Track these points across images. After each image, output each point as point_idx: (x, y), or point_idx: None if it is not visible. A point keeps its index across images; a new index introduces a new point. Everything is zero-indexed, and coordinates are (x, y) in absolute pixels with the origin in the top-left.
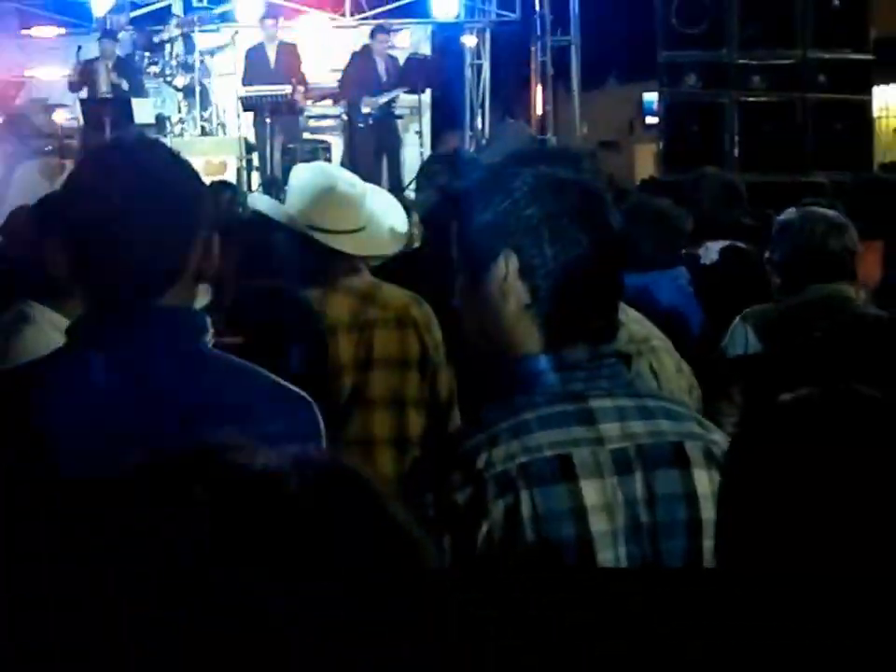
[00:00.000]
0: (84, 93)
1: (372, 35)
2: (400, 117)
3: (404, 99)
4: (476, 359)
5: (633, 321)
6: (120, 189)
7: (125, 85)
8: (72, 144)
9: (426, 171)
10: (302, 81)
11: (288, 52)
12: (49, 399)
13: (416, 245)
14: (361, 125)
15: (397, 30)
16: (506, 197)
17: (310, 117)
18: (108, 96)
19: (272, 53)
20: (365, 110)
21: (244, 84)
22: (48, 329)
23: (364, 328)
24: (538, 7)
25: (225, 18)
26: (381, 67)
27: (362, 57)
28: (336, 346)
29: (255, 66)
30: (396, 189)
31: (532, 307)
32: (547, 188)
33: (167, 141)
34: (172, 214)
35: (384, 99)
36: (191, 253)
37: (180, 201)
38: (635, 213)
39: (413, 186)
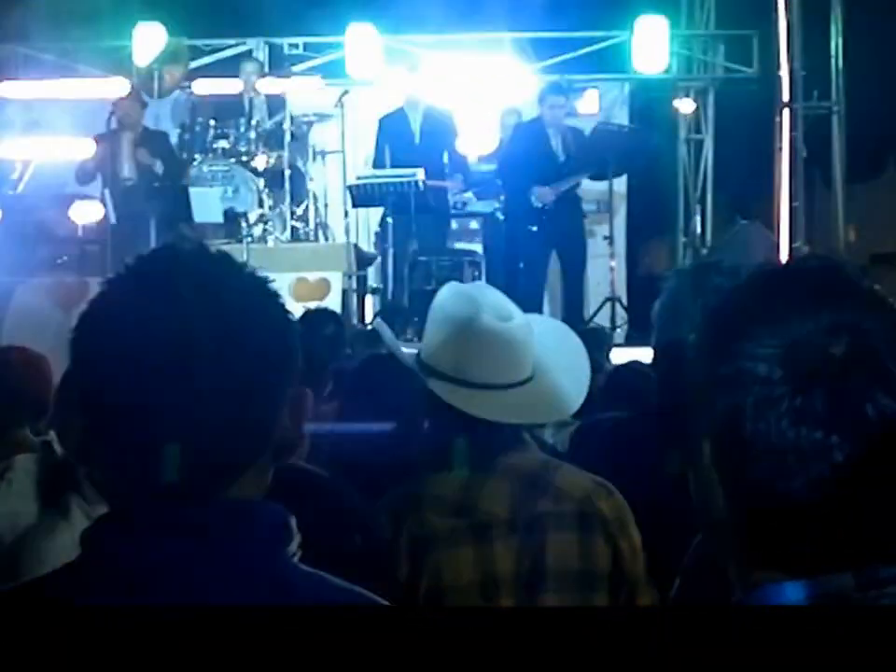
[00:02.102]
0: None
1: (542, 97)
2: (583, 214)
3: (589, 189)
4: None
5: None
6: (165, 331)
7: (159, 167)
8: (96, 253)
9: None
10: (460, 166)
11: (440, 123)
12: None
13: None
14: (528, 228)
15: (579, 89)
16: (735, 358)
17: (453, 215)
18: (155, 185)
19: (416, 123)
20: (535, 205)
21: (376, 166)
22: None
23: (531, 528)
24: (784, 60)
25: (329, 71)
26: (555, 143)
27: (529, 128)
28: (490, 554)
29: (392, 143)
30: (576, 320)
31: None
32: (800, 355)
33: (241, 250)
34: (244, 371)
35: (562, 188)
36: (271, 431)
37: (258, 348)
38: None
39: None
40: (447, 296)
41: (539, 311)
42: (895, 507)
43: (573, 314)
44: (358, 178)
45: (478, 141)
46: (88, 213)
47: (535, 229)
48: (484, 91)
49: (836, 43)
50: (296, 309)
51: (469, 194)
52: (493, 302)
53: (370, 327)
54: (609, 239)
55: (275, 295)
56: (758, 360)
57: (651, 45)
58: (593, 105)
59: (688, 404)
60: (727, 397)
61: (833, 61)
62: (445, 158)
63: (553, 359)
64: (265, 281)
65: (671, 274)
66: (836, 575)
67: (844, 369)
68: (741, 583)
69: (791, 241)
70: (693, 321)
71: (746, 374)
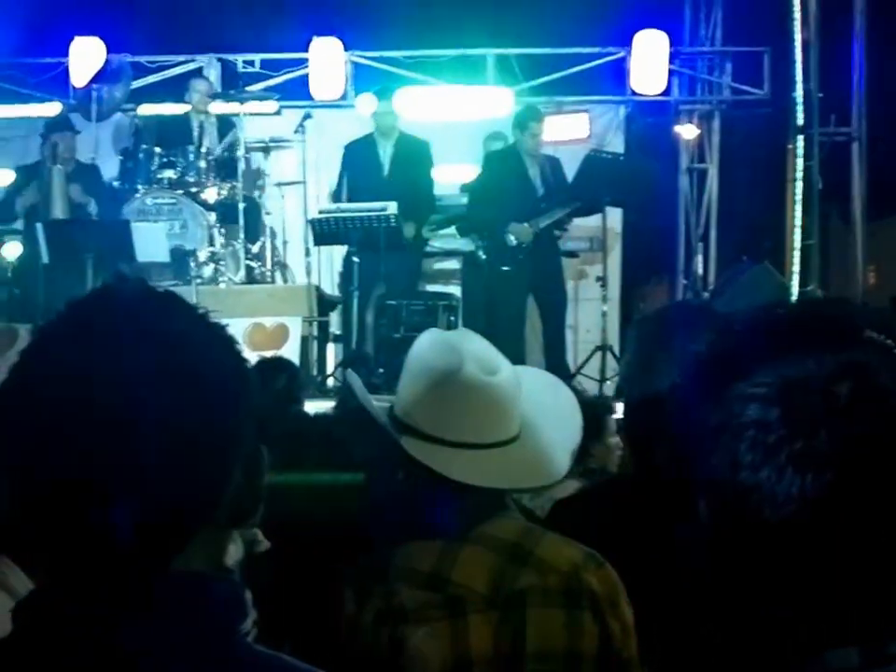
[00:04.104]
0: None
1: (522, 122)
2: (573, 254)
3: (580, 225)
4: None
5: None
6: (104, 384)
7: (93, 207)
8: (26, 296)
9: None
10: (429, 202)
11: (414, 151)
12: None
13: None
14: (506, 268)
15: (573, 111)
16: (730, 408)
17: (426, 254)
18: (93, 219)
19: (386, 151)
20: (510, 243)
21: (336, 199)
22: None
23: (511, 603)
24: (799, 80)
25: (289, 92)
26: (533, 173)
27: (503, 158)
28: (465, 632)
29: (359, 173)
30: (559, 371)
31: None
32: (798, 396)
33: (189, 292)
34: (193, 427)
35: (542, 224)
36: (222, 492)
37: (209, 401)
38: None
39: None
40: (427, 344)
41: (522, 361)
42: None
43: (557, 364)
44: (321, 212)
45: (458, 170)
46: (16, 251)
47: (508, 269)
48: (465, 115)
49: (858, 61)
50: (250, 358)
51: (448, 230)
52: (478, 353)
53: (331, 379)
54: (602, 281)
55: (231, 341)
56: (751, 401)
57: (651, 63)
58: (583, 129)
59: (680, 461)
60: (721, 447)
61: (853, 81)
62: (417, 192)
63: (543, 416)
64: (219, 326)
65: (640, 321)
66: (842, 650)
67: (849, 409)
68: (737, 664)
69: (804, 284)
70: (668, 373)
71: (738, 418)
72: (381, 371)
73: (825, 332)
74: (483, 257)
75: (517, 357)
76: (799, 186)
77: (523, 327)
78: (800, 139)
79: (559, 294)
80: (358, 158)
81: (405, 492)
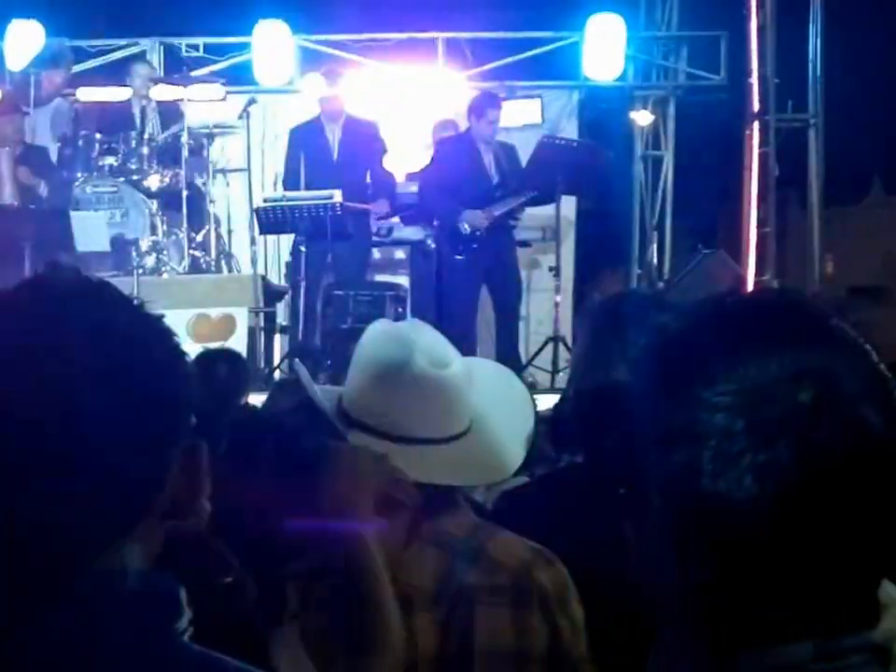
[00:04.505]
0: None
1: (477, 109)
2: (526, 244)
3: (532, 214)
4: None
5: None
6: (34, 375)
7: (43, 189)
8: None
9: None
10: (385, 187)
11: (363, 136)
12: None
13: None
14: (459, 257)
15: (526, 97)
16: (695, 404)
17: (376, 243)
18: (31, 206)
19: (334, 136)
20: (464, 231)
21: (287, 187)
22: None
23: (458, 602)
24: (755, 65)
25: (234, 76)
26: (487, 160)
27: (457, 144)
28: (410, 629)
29: (306, 159)
30: (512, 363)
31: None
32: (762, 406)
33: (131, 283)
34: (125, 422)
35: (496, 213)
36: (158, 490)
37: (143, 396)
38: None
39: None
40: (376, 335)
41: (473, 353)
42: (863, 568)
43: (509, 355)
44: (266, 200)
45: (407, 158)
46: None
47: (462, 258)
48: (414, 100)
49: (814, 46)
50: (194, 350)
51: (395, 219)
52: (428, 345)
53: (278, 371)
54: (555, 270)
55: (167, 333)
56: (716, 410)
57: (605, 48)
58: (535, 115)
59: (636, 458)
60: (682, 450)
61: (810, 67)
62: (368, 177)
63: (494, 409)
64: (154, 317)
65: (592, 309)
66: (795, 645)
67: (812, 419)
68: (691, 659)
69: (760, 273)
70: (619, 363)
71: (703, 426)
72: (328, 362)
73: (787, 328)
74: (433, 246)
75: (468, 349)
76: (755, 173)
77: (475, 317)
78: (756, 125)
79: (513, 284)
80: (306, 142)
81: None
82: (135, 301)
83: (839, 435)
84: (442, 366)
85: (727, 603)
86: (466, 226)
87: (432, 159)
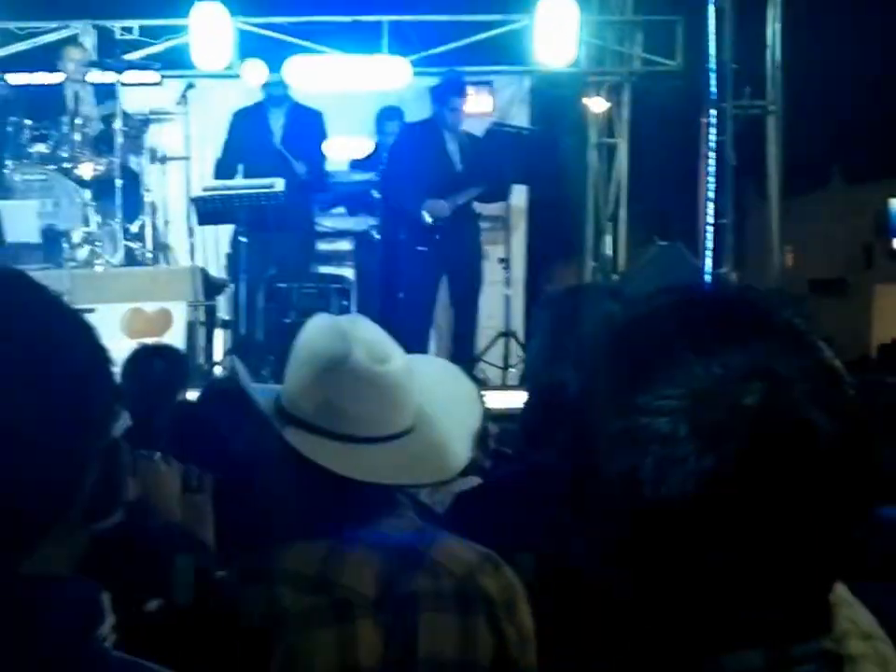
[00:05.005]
0: None
1: (441, 96)
2: (481, 233)
3: (482, 203)
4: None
5: (846, 604)
6: None
7: None
8: None
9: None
10: (319, 174)
11: (306, 122)
12: None
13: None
14: (415, 248)
15: (475, 83)
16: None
17: (319, 234)
18: None
19: (278, 123)
20: (426, 221)
21: (218, 176)
22: None
23: (401, 608)
24: (713, 51)
25: (170, 61)
26: (452, 148)
27: (421, 131)
28: (353, 638)
29: (246, 146)
30: (466, 358)
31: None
32: (706, 411)
33: (62, 276)
34: (39, 419)
35: (459, 202)
36: (75, 490)
37: (58, 392)
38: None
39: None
40: (314, 330)
41: (425, 348)
42: (813, 574)
43: (465, 350)
44: (205, 190)
45: (350, 145)
46: None
47: (424, 249)
48: (358, 86)
49: (773, 32)
50: (129, 346)
51: (339, 209)
52: (368, 339)
53: (218, 367)
54: (506, 263)
55: (85, 327)
56: (659, 414)
57: (557, 32)
58: (485, 102)
59: (580, 463)
60: (622, 458)
61: (768, 52)
62: (307, 165)
63: (439, 408)
64: (72, 311)
65: (547, 301)
66: (745, 653)
67: (758, 422)
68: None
69: (717, 265)
70: (574, 359)
71: (644, 430)
72: (271, 357)
73: (736, 326)
74: (378, 237)
75: (420, 345)
76: (712, 161)
77: (432, 310)
78: (713, 112)
79: (476, 276)
80: (248, 127)
81: (290, 488)
82: (53, 293)
83: (786, 439)
84: (382, 361)
85: (676, 612)
86: (427, 216)
87: (395, 145)
